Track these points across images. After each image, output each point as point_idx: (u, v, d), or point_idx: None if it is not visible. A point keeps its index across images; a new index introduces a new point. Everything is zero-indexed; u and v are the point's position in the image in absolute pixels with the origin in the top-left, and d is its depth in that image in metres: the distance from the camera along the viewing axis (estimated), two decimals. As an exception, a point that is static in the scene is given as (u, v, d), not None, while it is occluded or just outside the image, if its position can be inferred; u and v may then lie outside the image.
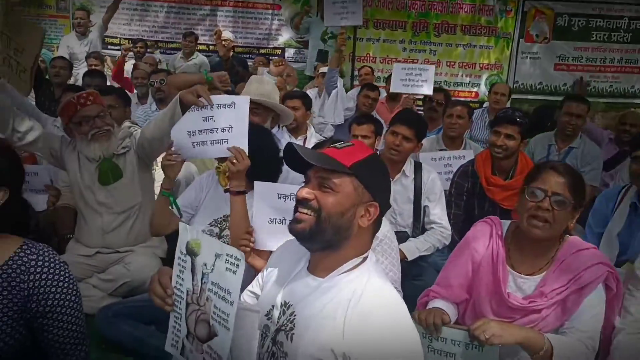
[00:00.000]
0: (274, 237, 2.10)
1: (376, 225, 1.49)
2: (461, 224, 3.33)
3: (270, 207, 2.16)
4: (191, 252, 1.43)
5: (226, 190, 2.35)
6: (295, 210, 1.47)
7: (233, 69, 5.73)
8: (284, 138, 3.33)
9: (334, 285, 1.44)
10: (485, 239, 2.11)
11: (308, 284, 1.48)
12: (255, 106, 3.05)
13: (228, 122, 2.33)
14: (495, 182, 3.23)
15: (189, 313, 1.43)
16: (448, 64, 8.44)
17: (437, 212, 3.15)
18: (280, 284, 1.54)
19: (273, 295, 1.53)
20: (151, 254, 3.08)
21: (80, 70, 6.22)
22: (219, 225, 2.54)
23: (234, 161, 2.25)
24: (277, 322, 1.47)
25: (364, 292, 1.40)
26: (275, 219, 2.18)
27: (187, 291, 1.43)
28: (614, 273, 1.95)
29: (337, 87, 5.12)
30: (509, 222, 2.15)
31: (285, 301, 1.49)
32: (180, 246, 1.46)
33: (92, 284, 2.97)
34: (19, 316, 1.47)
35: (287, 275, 1.54)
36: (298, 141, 3.91)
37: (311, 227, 1.42)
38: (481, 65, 8.49)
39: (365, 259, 1.48)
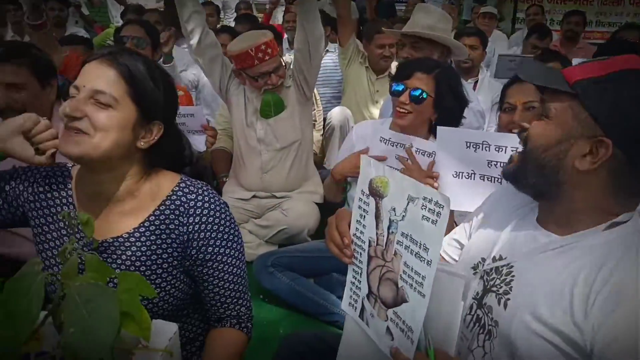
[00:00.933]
0: (460, 194, 1.72)
1: (618, 172, 1.02)
2: None
3: (456, 158, 1.77)
4: (375, 193, 1.11)
5: None
6: None
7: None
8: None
9: (574, 245, 1.06)
10: None
11: (536, 238, 1.12)
12: (416, 40, 2.66)
13: None
14: None
15: (371, 268, 1.12)
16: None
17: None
18: (496, 234, 1.19)
19: (485, 247, 1.20)
20: (308, 201, 2.89)
21: (231, 18, 6.22)
22: None
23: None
24: (487, 281, 1.14)
25: (621, 263, 0.99)
26: (462, 172, 1.79)
27: (370, 241, 1.12)
28: None
29: None
30: None
31: (500, 255, 1.15)
32: (362, 185, 1.15)
33: (248, 230, 2.86)
34: (179, 263, 1.29)
35: (505, 224, 1.19)
36: (468, 84, 3.44)
37: (516, 164, 1.14)
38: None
39: (619, 222, 1.05)
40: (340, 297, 2.27)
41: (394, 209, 1.06)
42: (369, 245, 1.12)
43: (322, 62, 4.30)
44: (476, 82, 3.60)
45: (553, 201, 1.10)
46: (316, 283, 2.38)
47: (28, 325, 0.96)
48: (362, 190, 1.15)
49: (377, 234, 1.10)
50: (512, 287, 1.10)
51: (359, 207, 1.16)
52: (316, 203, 2.93)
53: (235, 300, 1.35)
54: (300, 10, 2.64)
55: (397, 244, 1.05)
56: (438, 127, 1.79)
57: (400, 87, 2.03)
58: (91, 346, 0.92)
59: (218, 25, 5.31)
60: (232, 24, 6.08)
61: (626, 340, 0.92)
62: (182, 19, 2.65)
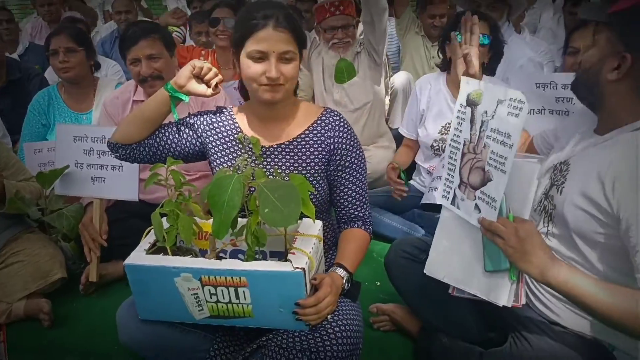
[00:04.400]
0: (533, 125, 2.07)
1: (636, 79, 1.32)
2: None
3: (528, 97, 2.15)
4: (472, 103, 1.44)
5: None
6: None
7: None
8: (514, 34, 3.15)
9: (610, 142, 1.38)
10: None
11: (587, 140, 1.45)
12: (493, 1, 2.99)
13: None
14: None
15: (463, 163, 1.46)
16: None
17: None
18: (563, 146, 1.52)
19: (557, 155, 1.51)
20: (386, 150, 3.23)
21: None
22: (447, 131, 2.58)
23: None
24: (553, 177, 1.49)
25: None
26: (533, 109, 2.21)
27: (465, 141, 1.46)
28: None
29: None
30: None
31: (565, 160, 1.48)
32: (460, 100, 1.49)
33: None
34: (325, 167, 1.66)
35: (571, 139, 1.51)
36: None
37: (575, 81, 1.47)
38: None
39: None
40: (422, 227, 2.64)
41: (485, 112, 1.39)
42: (464, 145, 1.46)
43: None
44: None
45: (600, 110, 1.42)
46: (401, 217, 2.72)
47: (232, 211, 1.34)
48: (460, 104, 1.48)
49: (470, 134, 1.44)
50: (566, 177, 1.43)
51: (457, 117, 1.49)
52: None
53: (362, 202, 1.72)
54: None
55: (487, 138, 1.37)
56: (512, 73, 2.13)
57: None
58: (282, 218, 1.30)
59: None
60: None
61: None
62: None
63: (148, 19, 4.94)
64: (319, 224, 1.59)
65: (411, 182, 2.84)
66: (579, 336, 1.43)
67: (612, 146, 1.37)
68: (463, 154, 1.47)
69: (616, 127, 1.38)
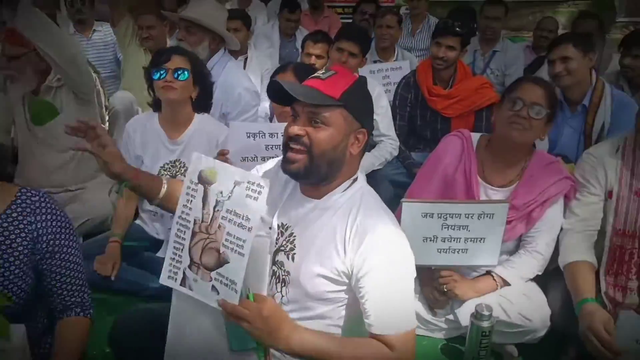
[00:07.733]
0: None
1: (365, 148, 1.52)
2: (405, 134, 3.48)
3: (242, 147, 2.20)
4: (205, 181, 1.40)
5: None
6: (287, 149, 1.46)
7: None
8: (230, 60, 3.20)
9: (330, 206, 1.50)
10: (456, 151, 2.21)
11: (304, 205, 1.52)
12: (189, 24, 2.98)
13: None
14: (437, 92, 3.33)
15: (194, 242, 1.40)
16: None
17: (385, 125, 3.25)
18: (274, 207, 1.56)
19: (268, 218, 1.55)
20: (107, 189, 2.97)
21: None
22: (168, 172, 2.53)
23: None
24: (276, 243, 1.52)
25: (360, 210, 1.47)
26: (247, 157, 2.24)
27: (195, 220, 1.41)
28: (574, 185, 2.13)
29: None
30: (478, 135, 2.26)
31: (282, 223, 1.53)
32: (191, 176, 1.43)
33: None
34: (29, 259, 1.47)
35: (278, 199, 1.57)
36: (239, 62, 3.80)
37: (306, 166, 1.43)
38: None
39: (356, 179, 1.54)
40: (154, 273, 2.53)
41: (221, 192, 1.37)
42: (194, 224, 1.40)
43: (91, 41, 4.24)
44: (245, 59, 3.98)
45: (330, 182, 1.48)
46: (129, 264, 2.50)
47: None
48: (190, 180, 1.42)
49: (203, 213, 1.39)
50: (295, 244, 1.50)
51: (187, 193, 1.43)
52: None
53: (79, 287, 1.56)
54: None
55: (222, 218, 1.36)
56: (230, 123, 2.18)
57: (163, 71, 2.33)
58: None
59: None
60: None
61: (370, 259, 1.41)
62: None
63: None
64: (20, 330, 1.37)
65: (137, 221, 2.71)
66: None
67: (329, 208, 1.49)
68: (194, 233, 1.41)
69: (330, 190, 1.50)
